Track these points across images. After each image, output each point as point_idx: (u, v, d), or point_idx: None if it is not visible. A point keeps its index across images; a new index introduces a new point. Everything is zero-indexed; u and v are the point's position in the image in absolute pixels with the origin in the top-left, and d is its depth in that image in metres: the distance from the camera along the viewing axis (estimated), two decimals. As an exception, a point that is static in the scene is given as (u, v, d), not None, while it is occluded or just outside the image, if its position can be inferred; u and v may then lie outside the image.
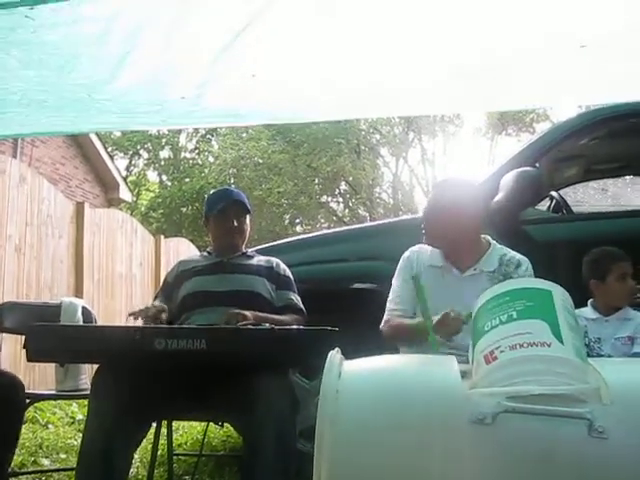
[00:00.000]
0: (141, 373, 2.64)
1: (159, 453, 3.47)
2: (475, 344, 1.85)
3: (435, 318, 2.68)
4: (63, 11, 2.51)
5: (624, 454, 1.54)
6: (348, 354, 1.90)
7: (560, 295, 1.86)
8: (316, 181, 27.41)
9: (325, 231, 6.60)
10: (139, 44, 2.83)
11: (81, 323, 3.78)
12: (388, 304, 3.13)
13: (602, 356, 3.05)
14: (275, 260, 3.51)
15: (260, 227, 24.09)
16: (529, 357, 1.68)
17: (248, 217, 3.54)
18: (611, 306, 3.19)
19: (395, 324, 3.03)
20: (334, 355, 1.83)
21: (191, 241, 14.25)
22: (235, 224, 3.45)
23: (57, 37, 2.76)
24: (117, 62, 2.96)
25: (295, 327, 2.97)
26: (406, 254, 3.19)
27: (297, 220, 28.88)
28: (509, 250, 3.10)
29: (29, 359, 2.60)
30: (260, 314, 3.07)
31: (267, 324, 2.82)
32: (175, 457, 4.01)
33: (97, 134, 13.76)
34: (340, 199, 29.98)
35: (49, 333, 2.66)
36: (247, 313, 2.98)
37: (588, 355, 2.84)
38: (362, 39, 3.00)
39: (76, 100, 3.44)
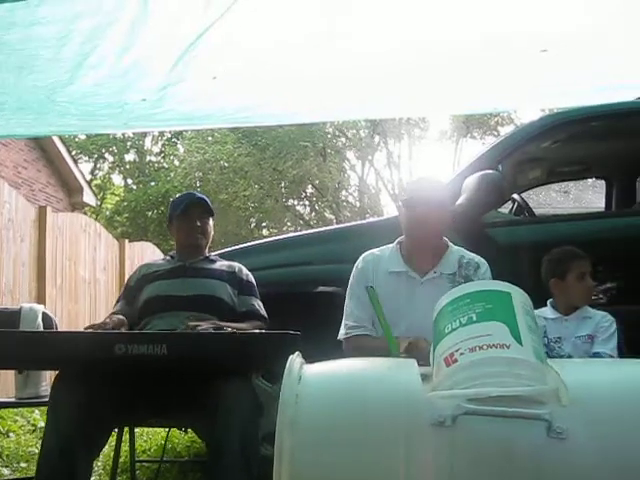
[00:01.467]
0: (101, 379, 2.60)
1: (122, 460, 3.44)
2: (435, 347, 1.85)
3: (402, 344, 2.56)
4: (20, 12, 2.49)
5: (583, 455, 1.54)
6: (313, 358, 1.89)
7: (519, 297, 1.87)
8: (282, 184, 27.38)
9: (289, 234, 6.59)
10: (98, 46, 2.81)
11: (41, 329, 3.73)
12: (345, 320, 3.04)
13: (563, 355, 3.08)
14: (237, 265, 3.49)
15: (226, 231, 24.03)
16: (488, 359, 1.68)
17: (211, 219, 3.51)
18: (571, 305, 3.22)
19: (357, 345, 2.94)
20: (294, 359, 1.82)
21: (156, 245, 14.14)
22: (198, 224, 3.43)
23: (15, 38, 2.73)
24: (76, 64, 2.94)
25: (257, 331, 2.95)
26: (359, 264, 3.10)
27: (263, 224, 28.84)
28: (467, 252, 3.08)
29: (-13, 366, 2.57)
30: (220, 323, 3.03)
31: (229, 328, 2.80)
32: (138, 464, 3.97)
33: (60, 137, 13.61)
34: (306, 202, 30.00)
35: (6, 339, 2.62)
36: (205, 324, 2.93)
37: (549, 355, 2.88)
38: (326, 42, 3.00)
39: (35, 102, 3.40)
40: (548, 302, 3.26)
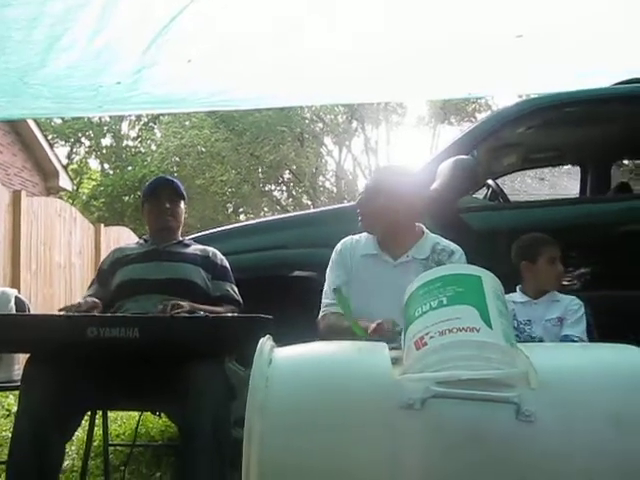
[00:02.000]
0: (73, 362, 2.59)
1: (95, 444, 3.43)
2: (406, 330, 1.85)
3: (370, 326, 2.62)
4: (-9, -7, 2.46)
5: (551, 437, 1.56)
6: (288, 342, 1.89)
7: (490, 281, 1.88)
8: (259, 169, 27.35)
9: (264, 218, 6.58)
10: (70, 29, 2.79)
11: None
12: (323, 298, 3.12)
13: (533, 337, 3.11)
14: (212, 249, 3.47)
15: (203, 215, 23.97)
16: (458, 342, 1.69)
17: (182, 202, 3.50)
18: (540, 289, 3.26)
19: (330, 323, 3.01)
20: (265, 342, 1.82)
21: (133, 230, 14.10)
22: (167, 206, 3.42)
23: (-16, 19, 2.70)
24: (48, 46, 2.92)
25: (229, 315, 2.95)
26: (338, 247, 3.18)
27: (240, 209, 28.80)
28: (443, 239, 3.11)
29: (-43, 349, 2.55)
30: (196, 305, 3.04)
31: (201, 312, 2.80)
32: (112, 448, 3.96)
33: (36, 121, 13.49)
34: (283, 187, 29.99)
35: (-24, 322, 2.60)
36: (184, 303, 2.95)
37: (519, 337, 2.91)
38: (303, 24, 3.00)
39: (8, 84, 3.37)
40: (517, 288, 3.29)
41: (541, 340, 3.09)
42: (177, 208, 3.47)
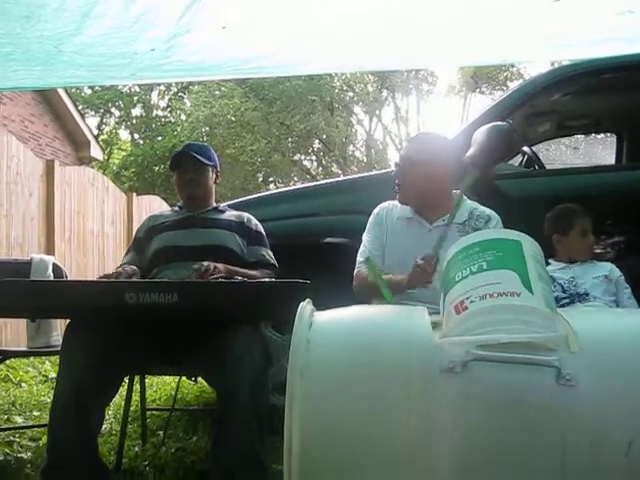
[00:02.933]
0: (112, 327, 2.62)
1: (132, 409, 3.48)
2: (446, 295, 1.86)
3: (405, 276, 2.70)
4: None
5: (592, 401, 1.56)
6: (320, 309, 1.90)
7: (530, 245, 1.87)
8: (289, 139, 27.33)
9: (296, 186, 6.58)
10: (106, -5, 2.78)
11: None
12: (359, 257, 3.16)
13: (581, 294, 3.11)
14: (246, 215, 3.49)
15: (233, 185, 24.02)
16: (499, 307, 1.70)
17: (209, 170, 3.50)
18: (572, 260, 3.28)
19: (364, 276, 3.06)
20: (305, 306, 1.83)
21: (164, 199, 14.15)
22: (190, 176, 3.43)
23: (21, -14, 2.70)
24: (84, 13, 2.90)
25: (267, 280, 2.96)
26: (376, 210, 3.23)
27: (270, 178, 28.80)
28: (479, 205, 3.12)
29: (-2, 315, 2.59)
30: (232, 267, 3.07)
31: (239, 277, 2.81)
32: (148, 412, 4.01)
33: (67, 91, 13.55)
34: (313, 157, 29.94)
35: (18, 288, 2.64)
36: (219, 265, 2.97)
37: (567, 295, 2.92)
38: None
39: (43, 53, 3.37)
40: (550, 260, 3.27)
41: (592, 297, 3.10)
42: (200, 177, 3.47)
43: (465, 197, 3.14)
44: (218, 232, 3.34)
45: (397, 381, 1.64)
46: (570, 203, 3.42)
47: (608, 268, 3.23)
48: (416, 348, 1.68)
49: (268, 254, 3.39)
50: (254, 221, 3.47)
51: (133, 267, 3.15)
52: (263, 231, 3.46)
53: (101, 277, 2.98)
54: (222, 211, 3.50)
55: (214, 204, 3.53)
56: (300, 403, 1.63)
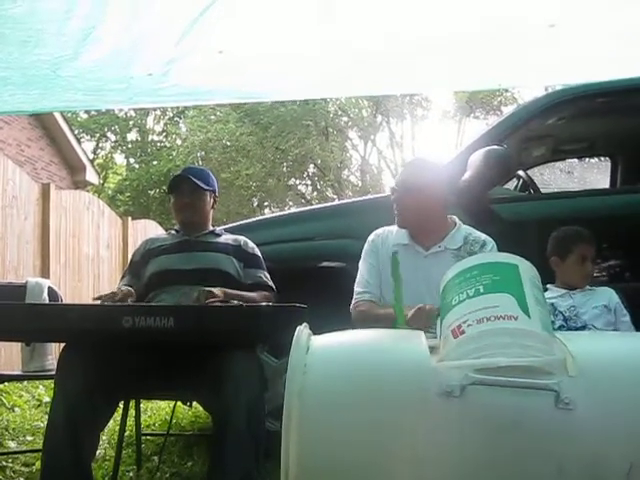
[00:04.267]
0: (108, 351, 2.62)
1: (127, 434, 3.46)
2: (443, 318, 1.85)
3: (409, 313, 2.66)
4: (26, -15, 2.47)
5: (590, 425, 1.56)
6: (317, 333, 1.90)
7: (527, 269, 1.88)
8: (284, 163, 27.36)
9: (292, 210, 6.61)
10: (103, 20, 2.79)
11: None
12: (356, 287, 3.16)
13: (584, 326, 3.07)
14: (243, 238, 3.49)
15: (228, 210, 24.02)
16: (496, 330, 1.69)
17: (206, 195, 3.50)
18: (569, 285, 3.22)
19: (365, 309, 3.06)
20: (302, 330, 1.83)
21: (159, 224, 14.15)
22: (187, 201, 3.44)
23: (20, 11, 2.70)
24: (82, 38, 2.91)
25: (264, 304, 2.96)
26: (371, 237, 3.22)
27: (265, 203, 28.80)
28: (475, 230, 3.13)
29: (-6, 338, 2.58)
30: (229, 291, 3.06)
31: (235, 301, 2.81)
32: (143, 437, 3.99)
33: (63, 116, 13.58)
34: (308, 181, 29.97)
35: (14, 312, 2.63)
36: (216, 290, 2.96)
37: (565, 326, 2.90)
38: (333, 17, 2.98)
39: (41, 77, 3.38)
40: (548, 286, 3.23)
41: (591, 326, 3.06)
42: (198, 202, 3.47)
43: (460, 223, 3.15)
44: (215, 255, 3.33)
45: (394, 405, 1.64)
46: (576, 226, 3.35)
47: (607, 296, 3.14)
48: (413, 372, 1.68)
49: (265, 276, 3.39)
50: (250, 244, 3.47)
51: (129, 288, 3.14)
52: (260, 254, 3.46)
53: (96, 298, 2.97)
54: (219, 235, 3.50)
55: (211, 228, 3.53)
56: (297, 427, 1.62)
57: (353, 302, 3.13)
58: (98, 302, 2.94)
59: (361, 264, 3.19)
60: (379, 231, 3.23)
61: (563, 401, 1.55)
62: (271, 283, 3.38)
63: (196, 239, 3.43)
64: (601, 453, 1.53)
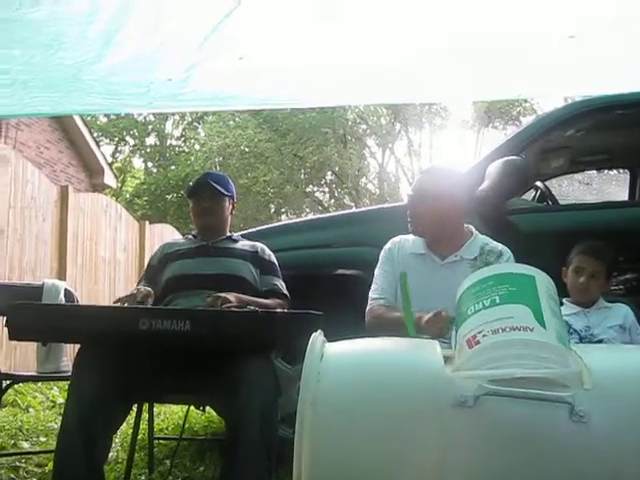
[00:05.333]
0: (124, 354, 2.62)
1: (139, 437, 3.47)
2: (458, 328, 1.85)
3: (426, 316, 2.67)
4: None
5: (604, 438, 1.55)
6: (332, 341, 1.90)
7: (543, 281, 1.87)
8: (302, 170, 27.40)
9: (309, 217, 6.62)
10: (126, 24, 2.80)
11: (64, 304, 3.75)
12: (370, 294, 3.15)
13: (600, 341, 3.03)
14: (260, 245, 3.50)
15: (245, 216, 24.06)
16: (511, 341, 1.69)
17: (226, 200, 3.51)
18: (570, 298, 3.19)
19: (378, 314, 3.06)
20: (316, 337, 1.83)
21: (176, 228, 14.19)
22: (206, 205, 3.45)
23: (42, 15, 2.72)
24: (103, 42, 2.93)
25: (279, 310, 2.96)
26: (387, 245, 3.22)
27: (282, 209, 28.84)
28: (491, 240, 3.11)
29: (11, 337, 2.60)
30: (243, 297, 3.07)
31: (251, 307, 2.81)
32: (156, 441, 3.99)
33: (83, 119, 13.66)
34: (326, 189, 29.99)
35: (31, 311, 2.65)
36: (230, 296, 2.97)
37: (582, 342, 2.87)
38: (353, 25, 2.98)
39: (61, 80, 3.41)
40: (564, 300, 3.18)
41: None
42: (217, 207, 3.48)
43: (477, 232, 3.14)
44: (232, 261, 3.34)
45: (408, 415, 1.63)
46: (601, 240, 3.28)
47: (623, 314, 3.08)
48: (427, 382, 1.68)
49: (280, 284, 3.39)
50: (267, 251, 3.48)
51: (148, 288, 3.15)
52: (276, 261, 3.47)
53: (116, 300, 2.98)
54: (236, 240, 3.51)
55: (228, 233, 3.54)
56: (310, 434, 1.62)
57: (368, 308, 3.12)
58: (119, 304, 2.96)
59: (377, 271, 3.18)
60: (396, 239, 3.22)
61: (578, 414, 1.54)
62: (286, 291, 3.38)
63: (213, 244, 3.43)
64: (615, 467, 1.53)
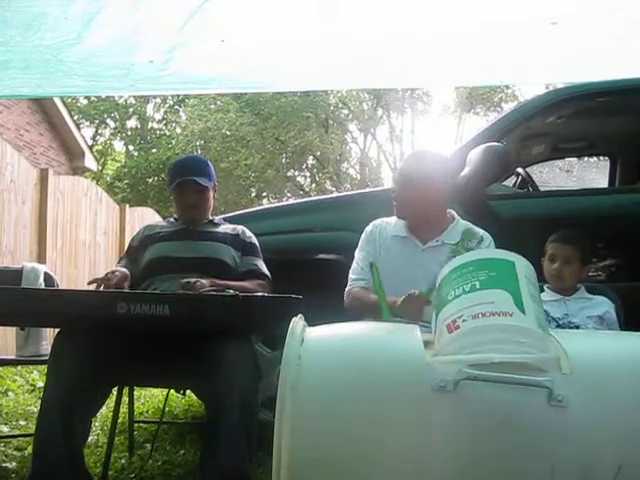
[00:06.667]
0: (102, 338, 2.61)
1: (120, 421, 3.46)
2: (438, 313, 1.85)
3: (399, 299, 2.69)
4: (29, -32, 2.47)
5: (583, 422, 1.56)
6: (312, 325, 1.90)
7: (523, 266, 1.87)
8: (283, 155, 27.39)
9: (290, 201, 6.60)
10: (107, 5, 2.79)
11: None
12: (350, 274, 3.16)
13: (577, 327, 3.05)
14: (241, 227, 3.48)
15: (226, 199, 24.03)
16: (491, 326, 1.69)
17: (210, 191, 3.47)
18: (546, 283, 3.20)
19: (357, 297, 3.06)
20: (297, 321, 1.83)
21: (157, 211, 14.14)
22: (192, 202, 3.41)
23: (23, -5, 2.70)
24: (84, 23, 2.91)
25: (259, 294, 2.95)
26: (369, 228, 3.22)
27: (263, 193, 28.81)
28: (473, 226, 3.12)
29: (-11, 322, 2.58)
30: (218, 281, 3.05)
31: (231, 291, 2.81)
32: (136, 425, 3.99)
33: (63, 101, 13.57)
34: (307, 173, 30.00)
35: (9, 296, 2.62)
36: (204, 281, 2.96)
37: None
38: (336, 10, 2.97)
39: (42, 62, 3.37)
40: (545, 287, 3.22)
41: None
42: (202, 201, 3.44)
43: (458, 217, 3.15)
44: (213, 245, 3.32)
45: (388, 399, 1.64)
46: (570, 228, 3.28)
47: (604, 308, 3.10)
48: (407, 366, 1.68)
49: (260, 264, 3.38)
50: (248, 233, 3.46)
51: (124, 270, 3.13)
52: (257, 243, 3.45)
53: (91, 282, 2.96)
54: (217, 224, 3.49)
55: (209, 217, 3.52)
56: (290, 419, 1.62)
57: (347, 288, 3.13)
58: (93, 286, 2.94)
59: (357, 252, 3.19)
60: (377, 221, 3.23)
61: (556, 398, 1.55)
62: (266, 271, 3.36)
63: (195, 228, 3.41)
64: (593, 452, 1.54)
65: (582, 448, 1.55)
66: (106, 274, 3.06)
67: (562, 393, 1.56)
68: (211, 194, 3.49)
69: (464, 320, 1.72)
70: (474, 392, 1.58)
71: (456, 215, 3.17)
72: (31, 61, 3.36)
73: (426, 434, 1.59)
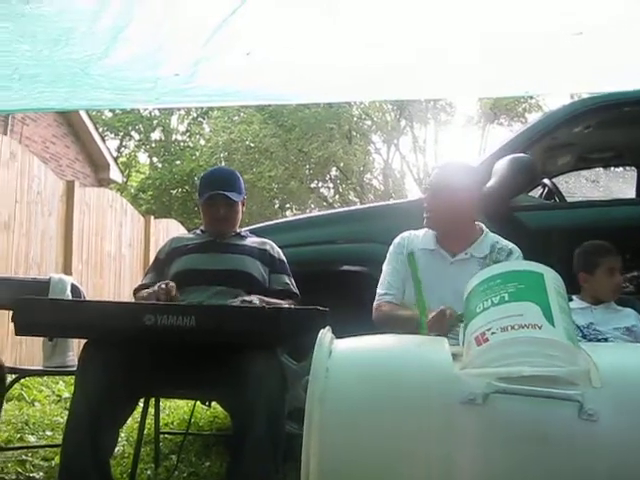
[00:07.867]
0: (129, 349, 2.62)
1: (145, 432, 3.47)
2: (467, 326, 1.85)
3: (430, 314, 2.68)
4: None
5: (613, 436, 1.55)
6: (337, 337, 1.90)
7: (552, 278, 1.87)
8: (307, 166, 27.38)
9: (314, 213, 6.62)
10: (134, 19, 2.80)
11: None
12: (378, 289, 3.14)
13: (600, 339, 3.03)
14: (269, 242, 3.47)
15: (250, 211, 24.04)
16: (520, 339, 1.69)
17: (239, 205, 3.47)
18: (598, 299, 3.19)
19: (387, 310, 3.04)
20: (325, 333, 1.83)
21: (181, 223, 14.19)
22: (222, 213, 3.41)
23: (52, 10, 2.73)
24: (111, 37, 2.93)
25: (286, 306, 2.95)
26: (397, 240, 3.20)
27: (287, 205, 28.83)
28: (502, 239, 3.10)
29: (17, 333, 2.59)
30: (265, 298, 3.06)
31: (256, 301, 2.81)
32: (162, 436, 4.00)
33: (88, 114, 13.70)
34: (330, 184, 29.98)
35: (38, 307, 2.64)
36: (254, 298, 2.98)
37: (585, 338, 2.86)
38: (361, 20, 2.98)
39: (69, 75, 3.40)
40: (574, 297, 3.21)
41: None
42: (231, 214, 3.44)
43: (487, 230, 3.13)
44: (240, 258, 3.32)
45: (416, 412, 1.63)
46: (598, 239, 3.31)
47: (632, 319, 3.10)
48: (436, 379, 1.68)
49: (291, 282, 3.39)
50: (276, 249, 3.46)
51: (172, 283, 3.06)
52: (285, 259, 3.45)
53: (157, 297, 2.96)
54: (244, 237, 3.49)
55: (237, 230, 3.52)
56: (318, 431, 1.62)
57: (375, 303, 3.10)
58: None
59: (385, 266, 3.17)
60: (405, 234, 3.21)
61: (587, 412, 1.54)
62: (296, 289, 3.37)
63: (222, 240, 3.41)
64: (624, 465, 1.52)
65: (613, 462, 1.54)
66: (167, 284, 3.03)
67: (593, 407, 1.55)
68: (240, 208, 3.49)
69: (493, 333, 1.72)
70: (503, 405, 1.58)
71: (485, 228, 3.15)
72: (59, 75, 3.39)
73: (454, 447, 1.59)
